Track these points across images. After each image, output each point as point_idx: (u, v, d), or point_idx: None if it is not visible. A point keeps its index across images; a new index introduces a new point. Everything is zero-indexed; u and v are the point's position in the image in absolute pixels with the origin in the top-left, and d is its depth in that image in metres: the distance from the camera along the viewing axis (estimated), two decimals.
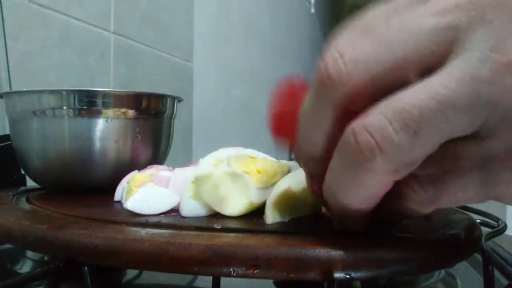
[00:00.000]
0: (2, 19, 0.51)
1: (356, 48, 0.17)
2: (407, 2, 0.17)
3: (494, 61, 0.15)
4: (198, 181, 0.26)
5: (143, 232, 0.22)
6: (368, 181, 0.17)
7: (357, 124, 0.16)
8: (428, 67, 0.16)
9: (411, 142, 0.15)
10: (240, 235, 0.22)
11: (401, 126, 0.15)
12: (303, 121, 0.19)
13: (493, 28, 0.15)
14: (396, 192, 0.18)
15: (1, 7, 0.51)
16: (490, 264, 0.23)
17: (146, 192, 0.28)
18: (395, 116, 0.15)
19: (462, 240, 0.22)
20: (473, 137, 0.16)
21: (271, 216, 0.24)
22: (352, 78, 0.16)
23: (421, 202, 0.18)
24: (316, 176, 0.20)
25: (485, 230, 0.28)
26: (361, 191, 0.18)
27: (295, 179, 0.25)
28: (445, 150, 0.17)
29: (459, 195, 0.18)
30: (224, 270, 0.19)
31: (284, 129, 0.22)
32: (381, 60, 0.16)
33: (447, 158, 0.17)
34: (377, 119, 0.16)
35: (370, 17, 0.17)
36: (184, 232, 0.22)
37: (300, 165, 0.22)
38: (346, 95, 0.17)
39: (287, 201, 0.25)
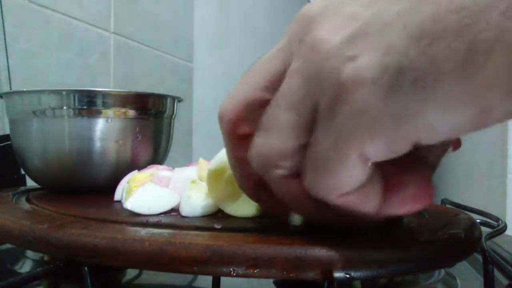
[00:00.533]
0: (2, 19, 0.51)
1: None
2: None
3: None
4: (210, 174, 0.26)
5: (143, 232, 0.22)
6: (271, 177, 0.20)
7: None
8: None
9: (264, 136, 0.19)
10: (240, 235, 0.22)
11: (258, 129, 0.20)
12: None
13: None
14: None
15: (1, 7, 0.51)
16: (490, 264, 0.23)
17: (146, 192, 0.28)
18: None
19: (462, 240, 0.22)
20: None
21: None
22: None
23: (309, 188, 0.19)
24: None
25: (485, 230, 0.28)
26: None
27: None
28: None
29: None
30: (224, 270, 0.19)
31: None
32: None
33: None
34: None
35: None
36: (184, 232, 0.22)
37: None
38: None
39: None
